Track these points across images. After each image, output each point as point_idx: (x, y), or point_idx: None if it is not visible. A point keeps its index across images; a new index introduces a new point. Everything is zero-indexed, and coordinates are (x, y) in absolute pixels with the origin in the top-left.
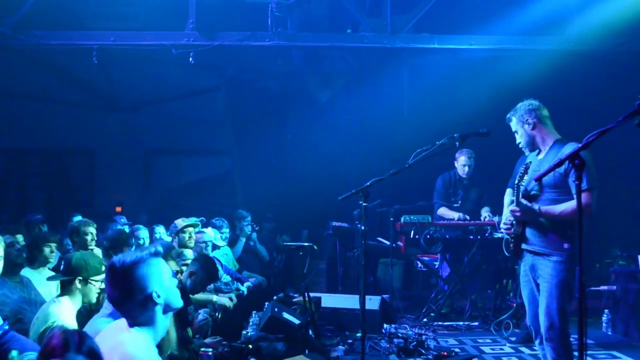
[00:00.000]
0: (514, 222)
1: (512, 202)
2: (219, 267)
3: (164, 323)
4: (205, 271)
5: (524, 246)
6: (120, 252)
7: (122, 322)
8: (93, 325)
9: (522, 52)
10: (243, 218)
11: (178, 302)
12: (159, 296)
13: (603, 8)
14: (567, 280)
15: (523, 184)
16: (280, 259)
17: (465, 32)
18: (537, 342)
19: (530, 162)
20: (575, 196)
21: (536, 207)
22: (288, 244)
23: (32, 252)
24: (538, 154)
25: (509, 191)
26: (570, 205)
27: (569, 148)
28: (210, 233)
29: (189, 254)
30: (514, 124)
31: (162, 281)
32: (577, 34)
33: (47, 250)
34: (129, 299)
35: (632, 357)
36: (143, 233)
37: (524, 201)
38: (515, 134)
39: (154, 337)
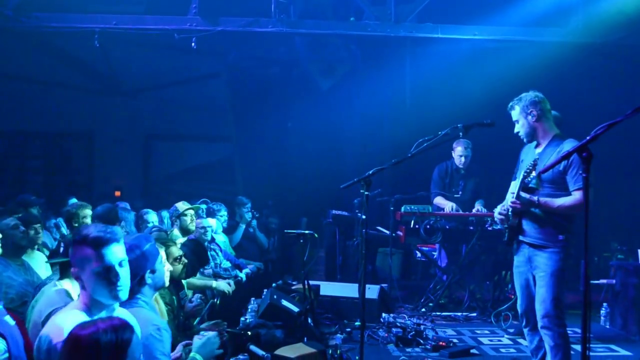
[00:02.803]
0: (509, 213)
1: (512, 194)
2: (219, 253)
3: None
4: (195, 255)
5: (520, 237)
6: None
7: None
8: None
9: (525, 44)
10: (243, 204)
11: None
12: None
13: (608, 0)
14: (562, 270)
15: (530, 179)
16: (273, 241)
17: (468, 22)
18: (526, 329)
19: (538, 157)
20: (573, 193)
21: (535, 198)
22: (289, 231)
23: None
24: (536, 146)
25: (513, 183)
26: (568, 200)
27: (568, 144)
28: (212, 223)
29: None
30: (517, 113)
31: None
32: (582, 26)
33: (31, 232)
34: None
35: (630, 350)
36: (151, 217)
37: (523, 194)
38: (516, 123)
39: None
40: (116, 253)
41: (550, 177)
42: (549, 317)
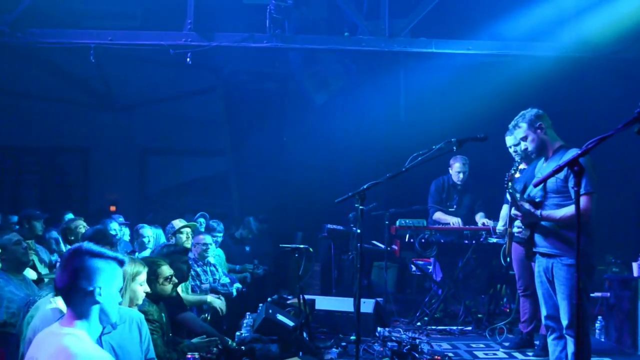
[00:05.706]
0: (523, 226)
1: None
2: (218, 268)
3: (97, 327)
4: (176, 254)
5: (535, 250)
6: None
7: (55, 326)
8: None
9: (519, 58)
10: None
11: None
12: (100, 295)
13: (600, 15)
14: (582, 281)
15: (535, 192)
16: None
17: (462, 37)
18: (549, 338)
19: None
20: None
21: (538, 212)
22: (284, 245)
23: None
24: (545, 160)
25: (505, 207)
26: (570, 210)
27: (571, 154)
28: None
29: None
30: (523, 130)
31: (110, 286)
32: (574, 40)
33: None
34: (74, 285)
35: None
36: (147, 232)
37: (526, 205)
38: (523, 141)
39: (89, 332)
40: None
41: (555, 188)
42: (573, 327)
